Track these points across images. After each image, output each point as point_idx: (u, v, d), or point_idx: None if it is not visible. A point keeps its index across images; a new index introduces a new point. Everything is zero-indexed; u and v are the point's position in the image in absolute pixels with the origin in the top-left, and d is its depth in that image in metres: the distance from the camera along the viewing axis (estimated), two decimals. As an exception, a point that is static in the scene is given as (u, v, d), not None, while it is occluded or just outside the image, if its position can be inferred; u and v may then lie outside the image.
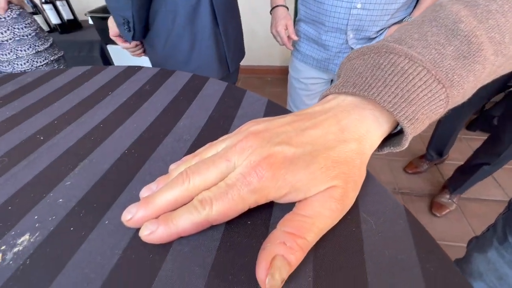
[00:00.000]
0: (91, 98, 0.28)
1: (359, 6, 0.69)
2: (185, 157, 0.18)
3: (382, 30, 0.75)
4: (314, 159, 0.14)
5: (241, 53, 0.84)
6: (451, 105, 0.17)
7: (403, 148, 0.17)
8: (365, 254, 0.14)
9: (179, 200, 0.14)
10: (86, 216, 0.16)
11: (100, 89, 0.29)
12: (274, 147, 0.14)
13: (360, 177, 0.15)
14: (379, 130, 0.16)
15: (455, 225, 1.22)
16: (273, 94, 2.16)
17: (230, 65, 0.77)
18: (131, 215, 0.14)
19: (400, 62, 0.16)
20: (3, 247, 0.15)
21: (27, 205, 0.17)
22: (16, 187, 0.18)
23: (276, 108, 0.25)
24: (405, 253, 0.13)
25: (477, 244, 0.66)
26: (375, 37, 0.75)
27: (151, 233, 0.14)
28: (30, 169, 0.20)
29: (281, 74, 2.33)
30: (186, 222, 0.14)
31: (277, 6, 0.87)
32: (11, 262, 0.14)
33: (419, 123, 0.16)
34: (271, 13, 0.90)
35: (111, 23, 0.64)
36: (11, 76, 0.33)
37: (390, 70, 0.16)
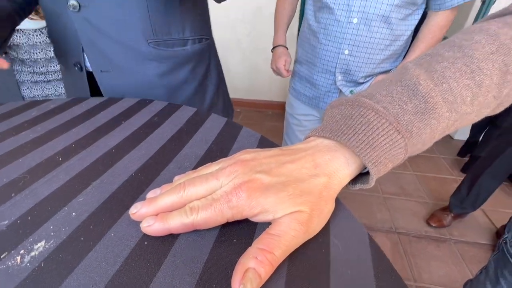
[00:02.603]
0: (106, 126, 0.32)
1: (346, 52, 0.77)
2: (188, 172, 0.21)
3: (370, 77, 0.82)
4: (284, 188, 0.17)
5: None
6: (410, 153, 0.21)
7: (371, 186, 0.20)
8: (331, 272, 0.16)
9: (175, 205, 0.18)
10: (95, 229, 0.19)
11: (114, 119, 0.33)
12: (255, 174, 0.17)
13: (326, 207, 0.18)
14: (347, 169, 0.19)
15: (452, 268, 1.19)
16: (271, 128, 2.23)
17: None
18: (136, 210, 0.18)
19: (368, 115, 0.20)
20: (22, 251, 0.17)
21: (44, 216, 0.20)
22: (35, 201, 0.21)
23: (267, 143, 0.29)
24: (364, 273, 0.16)
25: (471, 287, 0.65)
26: (363, 82, 0.83)
27: (149, 226, 0.17)
28: (48, 186, 0.23)
29: (280, 109, 2.43)
30: (176, 222, 0.17)
31: (278, 45, 0.97)
32: (28, 264, 0.16)
33: (382, 166, 0.19)
34: (272, 51, 0.99)
35: None
36: (36, 103, 0.37)
37: (359, 121, 0.20)
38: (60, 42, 0.48)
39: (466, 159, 1.79)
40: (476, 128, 1.74)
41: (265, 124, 2.30)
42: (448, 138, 2.08)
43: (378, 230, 1.36)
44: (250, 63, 2.32)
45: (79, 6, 0.41)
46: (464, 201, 1.27)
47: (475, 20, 1.61)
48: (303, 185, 0.18)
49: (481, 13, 1.57)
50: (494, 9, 1.56)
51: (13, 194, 0.22)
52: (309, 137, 0.22)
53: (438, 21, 0.76)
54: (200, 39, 0.54)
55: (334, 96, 0.87)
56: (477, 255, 1.22)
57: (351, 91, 0.83)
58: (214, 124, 0.32)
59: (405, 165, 1.79)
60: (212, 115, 0.34)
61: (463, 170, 1.70)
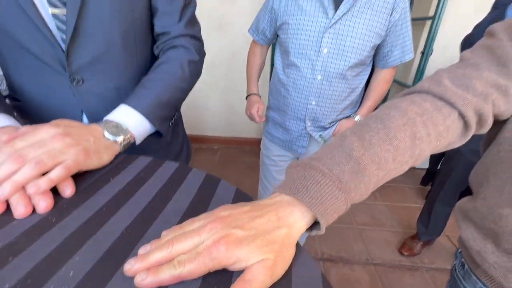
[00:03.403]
0: (95, 184, 0.35)
1: (313, 103, 0.89)
2: (173, 226, 0.25)
3: (334, 123, 0.94)
4: (255, 240, 0.22)
5: None
6: (350, 204, 0.27)
7: (323, 233, 0.26)
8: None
9: (164, 260, 0.22)
10: (92, 286, 0.21)
11: (102, 177, 0.37)
12: (231, 229, 0.22)
13: (287, 253, 0.23)
14: (304, 220, 0.25)
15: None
16: (249, 163, 2.29)
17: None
18: (130, 266, 0.21)
19: (317, 176, 0.26)
20: (26, 312, 0.19)
21: (44, 278, 0.22)
22: (33, 263, 0.23)
23: (241, 195, 0.34)
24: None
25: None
26: (329, 127, 0.94)
27: (142, 280, 0.20)
28: (45, 247, 0.25)
29: (257, 145, 2.52)
30: (166, 275, 0.20)
31: (251, 94, 1.07)
32: (34, 324, 0.19)
33: (329, 216, 0.25)
34: (246, 99, 1.09)
35: None
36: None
37: (310, 181, 0.26)
38: (49, 116, 0.49)
39: (429, 187, 1.95)
40: (434, 159, 1.93)
41: (243, 160, 2.35)
42: (412, 168, 2.27)
43: (356, 263, 1.39)
44: (227, 102, 2.44)
45: (83, 80, 0.46)
46: (427, 228, 1.36)
47: (419, 66, 1.89)
48: (269, 236, 0.22)
49: (422, 62, 1.85)
50: (431, 60, 1.85)
51: (10, 258, 0.24)
52: (275, 192, 0.28)
53: (383, 76, 0.91)
54: None
55: (305, 139, 0.96)
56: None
57: (319, 135, 0.94)
58: (195, 178, 0.37)
59: (375, 195, 1.90)
60: (193, 169, 0.39)
61: (427, 198, 1.84)
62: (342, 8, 0.76)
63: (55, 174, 0.31)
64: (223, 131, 2.58)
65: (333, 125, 0.93)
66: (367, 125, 0.31)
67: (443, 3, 1.70)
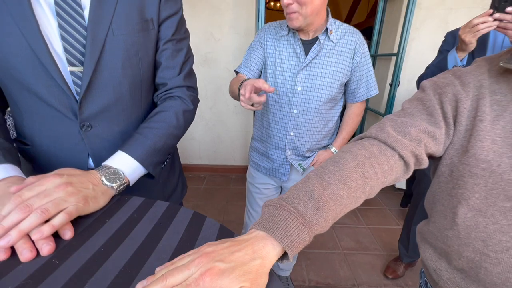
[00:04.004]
0: (92, 226, 0.39)
1: (292, 134, 0.98)
2: (166, 263, 0.30)
3: (313, 152, 1.03)
4: (233, 271, 0.27)
5: None
6: (313, 236, 0.33)
7: (291, 262, 0.31)
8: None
9: None
10: (97, 319, 0.25)
11: (99, 217, 0.41)
12: (215, 263, 0.27)
13: (261, 280, 0.28)
14: (274, 252, 0.30)
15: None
16: (235, 191, 2.31)
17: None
18: None
19: (284, 214, 0.32)
20: None
21: (53, 315, 0.26)
22: (42, 302, 0.27)
23: (225, 231, 0.39)
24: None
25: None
26: (309, 156, 1.02)
27: None
28: (51, 288, 0.29)
29: (243, 172, 2.57)
30: None
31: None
32: None
33: (294, 248, 0.30)
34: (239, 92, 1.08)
35: None
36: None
37: (279, 218, 0.32)
38: (57, 158, 0.54)
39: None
40: (410, 182, 2.05)
41: (230, 188, 2.37)
42: (392, 189, 2.37)
43: (343, 289, 1.40)
44: (212, 132, 2.51)
45: (91, 126, 0.52)
46: (408, 250, 1.42)
47: (388, 97, 2.07)
48: (246, 267, 0.28)
49: (391, 93, 2.04)
50: (399, 91, 2.05)
51: (21, 299, 0.27)
52: (252, 229, 0.33)
53: (353, 110, 1.02)
54: None
55: (287, 167, 1.04)
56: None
57: (299, 164, 1.01)
58: (184, 216, 0.42)
59: (359, 219, 1.96)
60: (182, 208, 0.44)
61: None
62: (311, 53, 0.89)
63: (57, 221, 0.35)
64: (209, 160, 2.62)
65: (312, 155, 1.02)
66: (326, 167, 0.38)
67: (404, 41, 1.93)
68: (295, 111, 0.94)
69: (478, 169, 0.40)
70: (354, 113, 1.02)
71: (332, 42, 0.89)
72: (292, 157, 1.01)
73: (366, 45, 0.93)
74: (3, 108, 0.55)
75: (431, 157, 0.46)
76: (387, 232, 1.84)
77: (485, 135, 0.39)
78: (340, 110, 1.03)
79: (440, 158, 0.47)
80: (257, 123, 1.10)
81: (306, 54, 0.90)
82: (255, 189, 1.15)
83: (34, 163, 0.55)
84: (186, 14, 0.64)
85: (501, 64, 0.39)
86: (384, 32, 2.39)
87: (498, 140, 0.39)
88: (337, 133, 1.06)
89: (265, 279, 0.29)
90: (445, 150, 0.45)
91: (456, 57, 0.95)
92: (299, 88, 0.92)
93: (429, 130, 0.42)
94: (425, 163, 0.43)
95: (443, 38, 1.15)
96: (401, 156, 0.41)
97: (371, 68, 0.96)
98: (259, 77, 1.04)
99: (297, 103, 0.93)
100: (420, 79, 1.13)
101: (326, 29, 0.88)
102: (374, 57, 2.48)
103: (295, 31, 0.90)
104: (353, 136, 1.43)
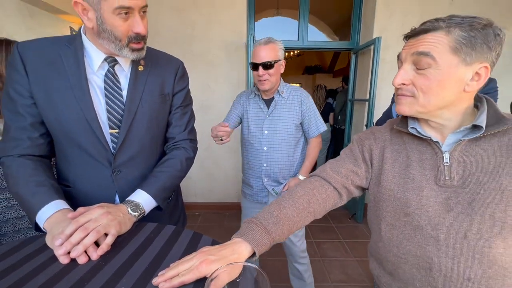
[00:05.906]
0: (123, 242, 0.55)
1: (265, 165, 1.25)
2: (177, 261, 0.46)
3: (285, 179, 1.29)
4: (219, 261, 0.44)
5: None
6: (273, 241, 0.50)
7: (257, 258, 0.48)
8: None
9: (174, 274, 0.42)
10: (134, 293, 0.41)
11: (126, 237, 0.57)
12: (208, 256, 0.44)
13: (238, 268, 0.45)
14: (247, 251, 0.47)
15: None
16: (229, 228, 2.41)
17: None
18: (155, 280, 0.42)
19: (253, 226, 0.50)
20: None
21: (107, 291, 0.41)
22: (98, 286, 0.43)
23: (215, 243, 0.56)
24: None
25: None
26: (282, 182, 1.28)
27: (163, 286, 0.41)
28: (101, 277, 0.44)
29: (236, 209, 2.68)
30: (176, 282, 0.41)
31: None
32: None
33: (260, 248, 0.48)
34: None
35: None
36: (32, 239, 0.59)
37: (250, 229, 0.50)
38: (93, 196, 0.69)
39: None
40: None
41: (224, 225, 2.47)
42: (377, 223, 2.48)
43: (332, 320, 1.46)
44: (207, 171, 2.69)
45: (120, 171, 0.70)
46: None
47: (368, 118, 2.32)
48: (227, 259, 0.44)
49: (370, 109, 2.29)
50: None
51: (85, 283, 0.43)
52: (233, 238, 0.50)
53: (312, 144, 1.32)
54: None
55: (265, 192, 1.29)
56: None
57: (273, 189, 1.27)
58: (186, 234, 0.58)
59: (347, 252, 2.06)
60: (185, 230, 0.60)
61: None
62: (271, 107, 1.25)
63: (109, 241, 0.52)
64: (204, 198, 2.75)
65: (284, 182, 1.29)
66: (284, 197, 0.57)
67: (373, 90, 2.26)
68: (265, 148, 1.26)
69: (386, 195, 0.59)
70: (312, 146, 1.31)
71: (284, 98, 1.24)
72: (268, 183, 1.29)
73: (310, 97, 1.27)
74: (50, 158, 0.74)
75: (362, 188, 0.66)
76: (374, 264, 1.92)
77: (388, 172, 0.59)
78: (302, 145, 1.29)
79: (367, 189, 0.66)
80: (243, 160, 1.36)
81: (268, 108, 1.25)
82: (245, 215, 1.40)
83: (71, 201, 0.72)
84: (188, 68, 0.85)
85: (395, 127, 0.61)
86: (359, 80, 2.75)
87: (396, 175, 0.58)
88: (303, 162, 1.30)
89: (240, 266, 0.45)
90: (368, 183, 0.64)
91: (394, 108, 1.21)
92: (266, 132, 1.25)
93: (354, 169, 0.62)
94: (354, 192, 0.63)
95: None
96: (335, 188, 0.60)
97: (317, 112, 1.28)
98: (238, 125, 1.39)
99: (266, 142, 1.25)
100: (377, 122, 1.38)
101: (278, 90, 1.23)
102: (352, 102, 2.82)
103: (259, 94, 1.27)
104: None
